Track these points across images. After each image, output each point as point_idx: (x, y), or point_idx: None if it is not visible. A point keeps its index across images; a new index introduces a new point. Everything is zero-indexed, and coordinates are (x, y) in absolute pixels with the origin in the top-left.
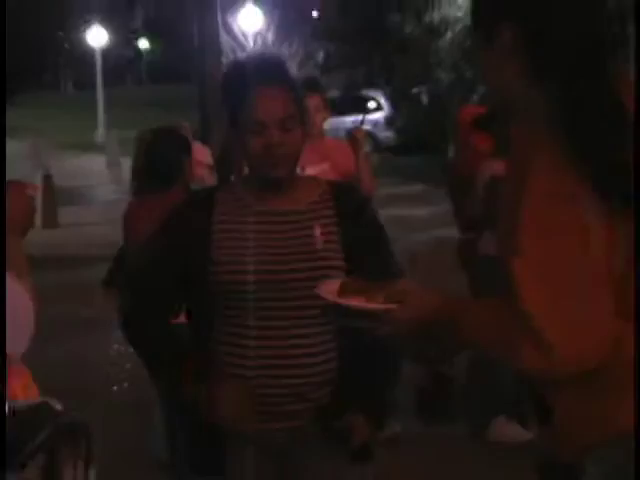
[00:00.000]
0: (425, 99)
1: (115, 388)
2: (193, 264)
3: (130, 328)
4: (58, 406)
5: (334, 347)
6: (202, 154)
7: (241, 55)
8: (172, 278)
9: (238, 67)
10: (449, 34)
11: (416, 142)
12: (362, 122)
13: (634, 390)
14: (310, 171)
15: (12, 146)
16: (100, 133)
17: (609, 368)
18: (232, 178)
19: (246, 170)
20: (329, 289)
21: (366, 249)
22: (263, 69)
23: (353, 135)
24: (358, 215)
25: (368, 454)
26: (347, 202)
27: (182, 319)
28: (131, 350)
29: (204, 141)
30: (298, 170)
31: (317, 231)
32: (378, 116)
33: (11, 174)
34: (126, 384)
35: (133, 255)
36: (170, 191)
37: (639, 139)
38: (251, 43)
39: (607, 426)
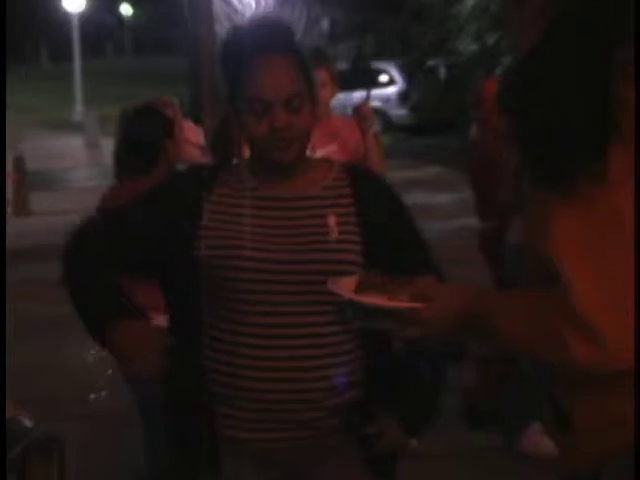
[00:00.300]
0: (443, 72)
1: (92, 396)
2: (176, 245)
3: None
4: (28, 422)
5: (354, 348)
6: (193, 134)
7: (242, 20)
8: (144, 251)
9: (238, 35)
10: (469, 0)
11: (433, 120)
12: (368, 97)
13: (634, 390)
14: (318, 153)
15: None
16: (77, 110)
17: (629, 371)
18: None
19: (249, 153)
20: (345, 285)
21: (393, 245)
22: (265, 36)
23: (359, 112)
24: (382, 203)
25: (392, 469)
26: (367, 188)
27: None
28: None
29: (195, 119)
30: (309, 152)
31: (331, 220)
32: (390, 91)
33: None
34: (104, 392)
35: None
36: (151, 175)
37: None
38: (247, 8)
39: (626, 432)
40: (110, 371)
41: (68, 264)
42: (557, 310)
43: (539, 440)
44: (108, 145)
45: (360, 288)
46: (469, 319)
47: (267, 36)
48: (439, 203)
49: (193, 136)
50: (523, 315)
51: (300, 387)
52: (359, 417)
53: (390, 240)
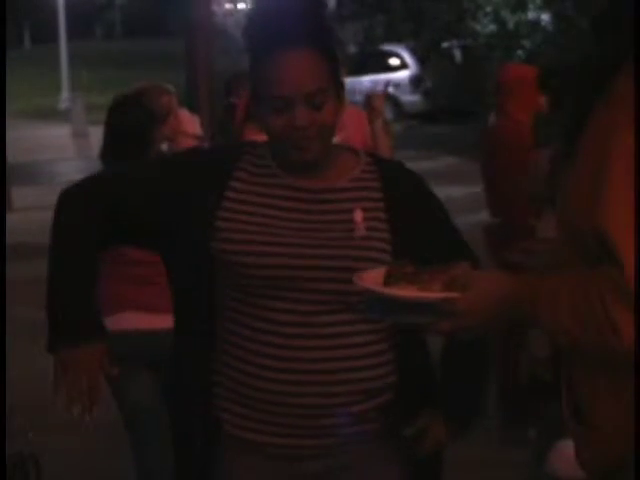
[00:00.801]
0: (458, 55)
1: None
2: (187, 233)
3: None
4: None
5: (385, 349)
6: (189, 124)
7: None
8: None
9: (258, 23)
10: None
11: (448, 107)
12: (387, 86)
13: (634, 391)
14: None
15: None
16: (63, 97)
17: None
18: None
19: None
20: (371, 278)
21: (424, 242)
22: (287, 26)
23: (369, 102)
24: (413, 199)
25: (435, 473)
26: (398, 182)
27: (168, 324)
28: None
29: (191, 107)
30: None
31: (358, 215)
32: (402, 76)
33: None
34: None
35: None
36: None
37: None
38: None
39: None
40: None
41: (55, 223)
42: (606, 291)
43: (565, 461)
44: (96, 135)
45: (389, 280)
46: (510, 308)
47: (289, 26)
48: (452, 197)
49: (190, 127)
50: (569, 299)
51: (322, 390)
52: (396, 419)
53: (421, 238)
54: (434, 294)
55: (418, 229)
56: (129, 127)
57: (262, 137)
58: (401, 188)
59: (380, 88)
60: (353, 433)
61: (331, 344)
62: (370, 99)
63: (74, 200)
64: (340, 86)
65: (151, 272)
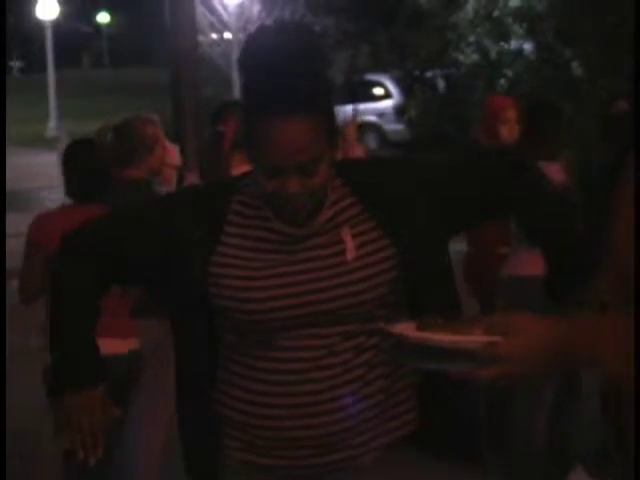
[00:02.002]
0: (442, 85)
1: None
2: (184, 279)
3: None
4: None
5: (373, 378)
6: (170, 154)
7: (228, 30)
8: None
9: (257, 83)
10: (470, 6)
11: (431, 136)
12: (355, 115)
13: (634, 391)
14: None
15: None
16: (51, 126)
17: None
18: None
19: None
20: (402, 328)
21: (463, 208)
22: (288, 85)
23: (341, 132)
24: (396, 189)
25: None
26: (369, 182)
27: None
28: None
29: (178, 136)
30: None
31: (347, 236)
32: (385, 105)
33: None
34: None
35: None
36: (83, 207)
37: (639, 139)
38: (233, 17)
39: None
40: None
41: (55, 269)
42: None
43: None
44: None
45: (422, 328)
46: (561, 352)
47: (288, 91)
48: None
49: (170, 157)
50: (627, 342)
51: (328, 420)
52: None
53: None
54: (478, 338)
55: (424, 210)
56: (78, 171)
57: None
58: (374, 188)
59: (350, 117)
60: (361, 416)
61: (331, 374)
62: (342, 129)
63: (73, 245)
64: (334, 151)
65: (113, 302)
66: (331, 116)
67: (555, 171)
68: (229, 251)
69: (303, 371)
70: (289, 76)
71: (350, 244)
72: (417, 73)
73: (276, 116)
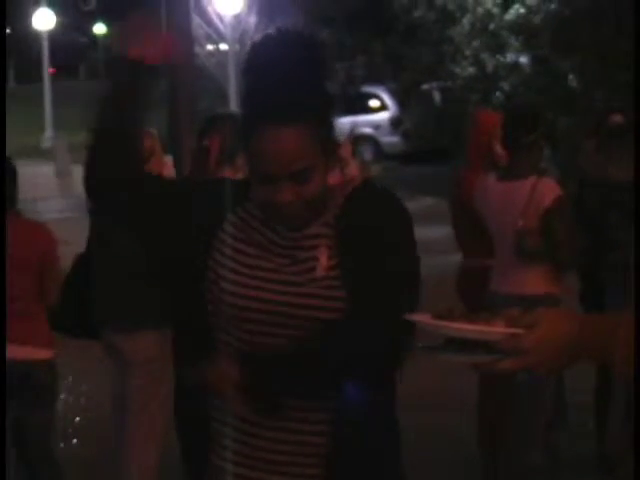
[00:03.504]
0: (438, 97)
1: (62, 445)
2: (186, 267)
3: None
4: None
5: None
6: (165, 168)
7: (223, 41)
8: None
9: (255, 95)
10: (467, 19)
11: (427, 148)
12: (352, 133)
13: (634, 391)
14: None
15: None
16: (47, 136)
17: None
18: None
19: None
20: (421, 317)
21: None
22: (280, 102)
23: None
24: (365, 229)
25: None
26: (352, 212)
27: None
28: (82, 401)
29: (173, 147)
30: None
31: (322, 254)
32: (381, 117)
33: None
34: (75, 440)
35: None
36: None
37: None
38: (229, 29)
39: None
40: (78, 419)
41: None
42: None
43: None
44: (80, 173)
45: (439, 318)
46: (578, 345)
47: (287, 100)
48: (433, 237)
49: (166, 170)
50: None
51: (297, 439)
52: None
53: (364, 268)
54: (500, 329)
55: (364, 259)
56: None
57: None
58: (353, 219)
59: (347, 134)
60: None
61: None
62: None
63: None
64: (330, 160)
65: (27, 307)
66: (329, 126)
67: (549, 186)
68: (224, 249)
69: None
70: (289, 86)
71: (323, 261)
72: (413, 85)
73: (272, 124)
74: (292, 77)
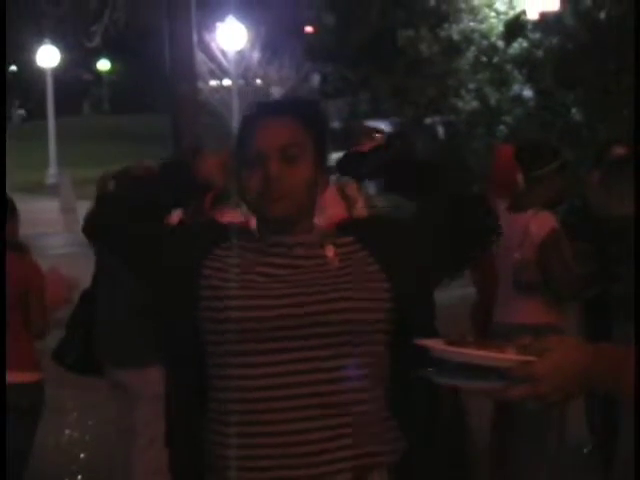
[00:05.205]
0: (442, 131)
1: None
2: (175, 298)
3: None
4: None
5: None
6: None
7: (226, 77)
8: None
9: (251, 113)
10: (471, 52)
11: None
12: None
13: (634, 392)
14: None
15: None
16: (51, 172)
17: None
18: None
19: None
20: (433, 343)
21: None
22: (275, 104)
23: (343, 192)
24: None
25: None
26: (374, 230)
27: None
28: (87, 436)
29: None
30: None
31: (329, 251)
32: None
33: None
34: (80, 476)
35: None
36: None
37: (639, 139)
38: (233, 65)
39: None
40: (83, 455)
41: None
42: None
43: None
44: (84, 209)
45: (452, 345)
46: (588, 375)
47: (279, 104)
48: None
49: None
50: None
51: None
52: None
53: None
54: (512, 356)
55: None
56: None
57: (232, 216)
58: (375, 237)
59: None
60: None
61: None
62: (343, 188)
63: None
64: (320, 148)
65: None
66: (316, 126)
67: (545, 219)
68: (216, 274)
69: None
70: (284, 100)
71: (332, 257)
72: (417, 119)
73: (265, 115)
74: (288, 99)
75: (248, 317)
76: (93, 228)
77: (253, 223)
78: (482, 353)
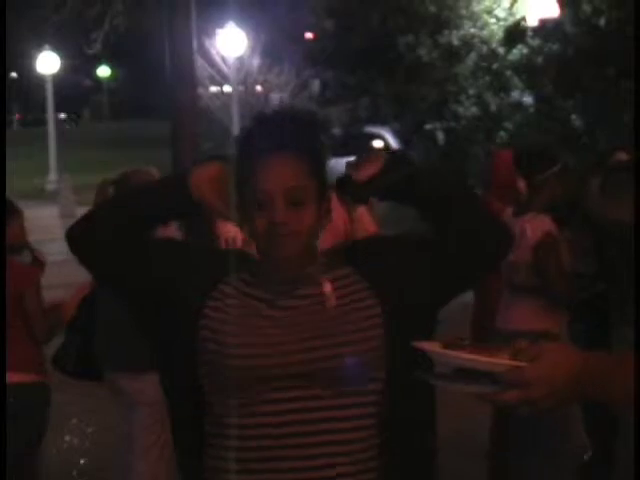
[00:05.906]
0: (441, 137)
1: None
2: (176, 328)
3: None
4: None
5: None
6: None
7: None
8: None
9: (250, 134)
10: (471, 58)
11: None
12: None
13: (635, 392)
14: None
15: None
16: (51, 178)
17: None
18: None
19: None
20: (428, 346)
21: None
22: (277, 135)
23: (343, 200)
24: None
25: None
26: (367, 251)
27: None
28: (86, 444)
29: None
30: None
31: (327, 287)
32: None
33: None
34: None
35: None
36: None
37: (639, 141)
38: (233, 71)
39: None
40: (83, 460)
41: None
42: None
43: None
44: None
45: (447, 348)
46: (580, 382)
47: (279, 136)
48: None
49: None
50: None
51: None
52: None
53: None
54: (504, 361)
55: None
56: None
57: (230, 230)
58: (366, 258)
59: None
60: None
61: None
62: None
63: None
64: (324, 190)
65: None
66: (318, 158)
67: (540, 222)
68: (215, 314)
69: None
70: (280, 128)
71: (330, 293)
72: (417, 125)
73: (269, 155)
74: (288, 122)
75: (248, 365)
76: (76, 238)
77: (253, 248)
78: (476, 357)
